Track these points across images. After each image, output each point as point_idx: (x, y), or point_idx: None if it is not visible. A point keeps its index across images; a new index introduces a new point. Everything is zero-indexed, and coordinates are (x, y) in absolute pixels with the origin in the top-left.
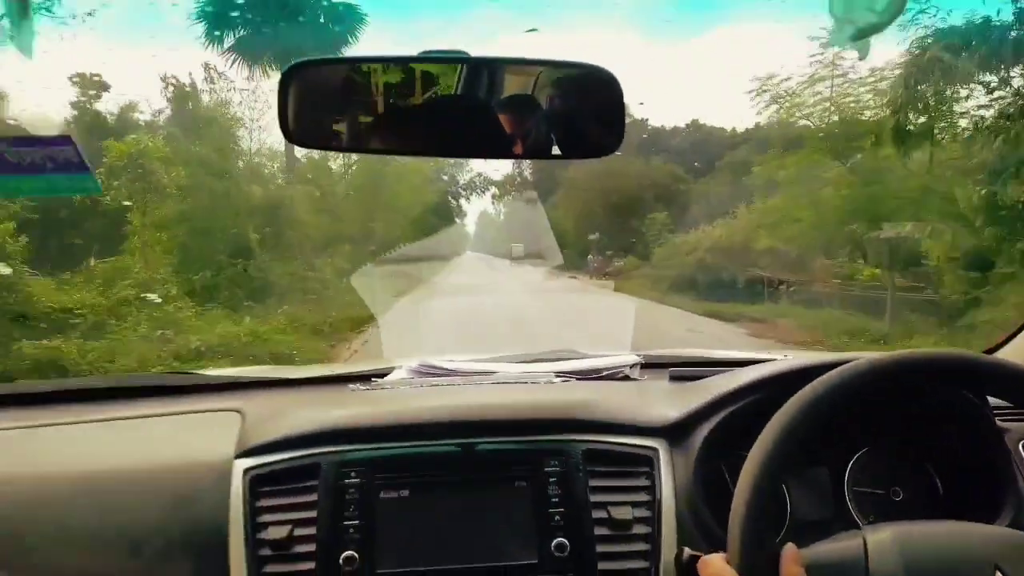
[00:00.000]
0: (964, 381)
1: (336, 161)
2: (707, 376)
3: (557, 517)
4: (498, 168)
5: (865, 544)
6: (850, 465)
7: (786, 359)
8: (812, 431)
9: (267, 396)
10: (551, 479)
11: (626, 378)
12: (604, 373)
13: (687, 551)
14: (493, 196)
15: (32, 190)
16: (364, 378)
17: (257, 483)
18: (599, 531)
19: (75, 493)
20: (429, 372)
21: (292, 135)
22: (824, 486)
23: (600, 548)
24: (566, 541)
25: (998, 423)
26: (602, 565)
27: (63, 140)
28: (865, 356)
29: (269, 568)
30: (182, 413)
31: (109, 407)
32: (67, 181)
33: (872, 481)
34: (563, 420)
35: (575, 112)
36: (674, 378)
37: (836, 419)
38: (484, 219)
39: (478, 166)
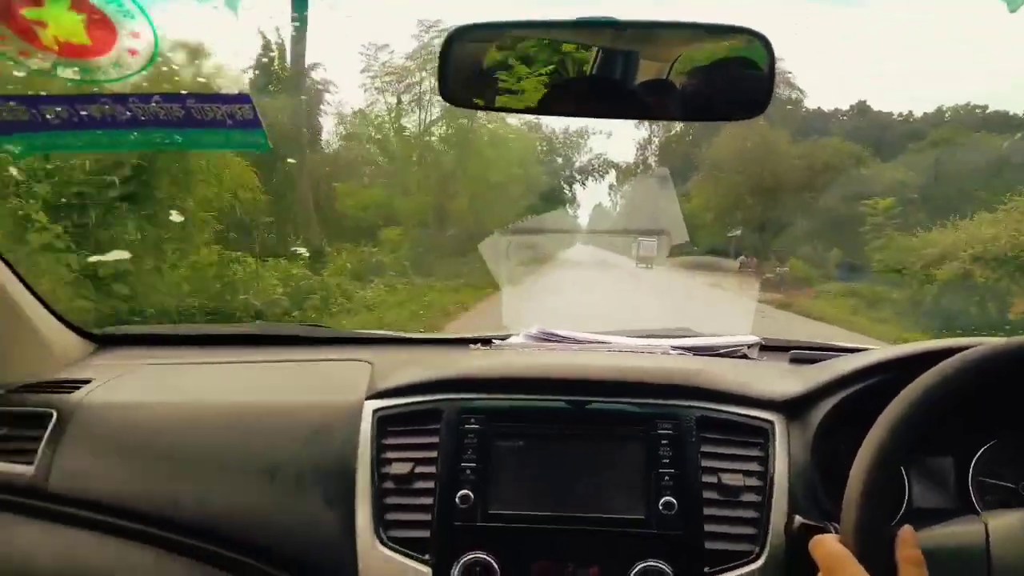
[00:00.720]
0: None
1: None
2: (828, 360)
3: (667, 478)
4: (622, 150)
5: (987, 529)
6: (977, 455)
7: (913, 343)
8: (932, 416)
9: (395, 350)
10: (663, 441)
11: (744, 357)
12: (722, 350)
13: (799, 519)
14: (611, 185)
15: (211, 144)
16: (485, 341)
17: (384, 423)
18: (708, 495)
19: (220, 422)
20: (547, 338)
21: (450, 95)
22: (947, 475)
23: (708, 511)
24: (674, 500)
25: None
26: (709, 527)
27: (242, 98)
28: (991, 341)
29: (391, 500)
30: (318, 360)
31: (251, 351)
32: (242, 137)
33: (999, 474)
34: (678, 386)
35: (723, 74)
36: (794, 360)
37: (963, 406)
38: (599, 213)
39: (597, 147)
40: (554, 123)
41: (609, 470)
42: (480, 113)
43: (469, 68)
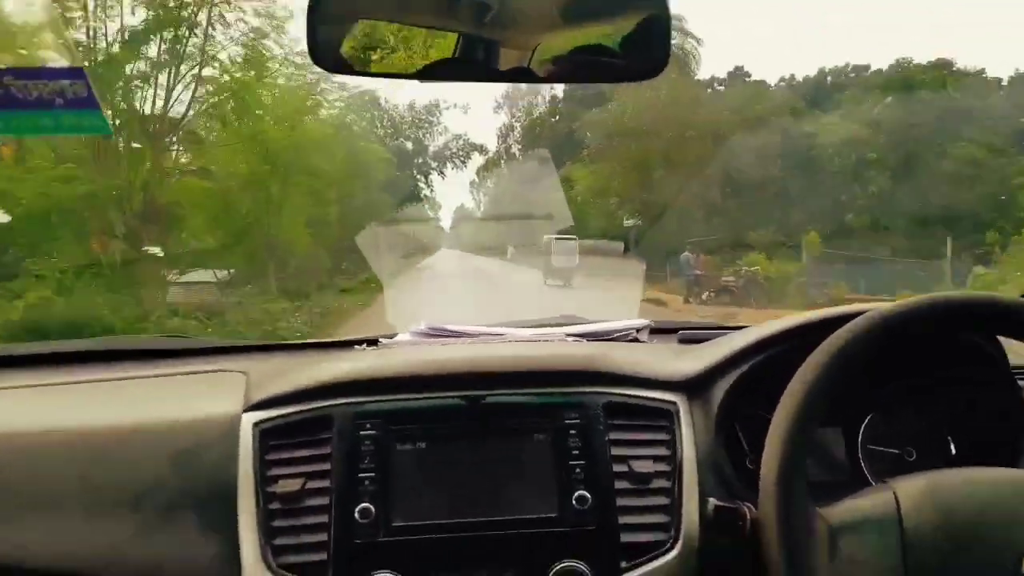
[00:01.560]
0: (996, 323)
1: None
2: (717, 338)
3: (578, 470)
4: (482, 129)
5: (896, 497)
6: (863, 425)
7: (807, 312)
8: (844, 379)
9: (271, 358)
10: (571, 432)
11: (635, 340)
12: (615, 335)
13: (713, 501)
14: (477, 173)
15: (37, 129)
16: (371, 342)
17: (268, 436)
18: (620, 484)
19: (64, 451)
20: (438, 334)
21: (320, 59)
22: (837, 447)
23: (621, 501)
24: (587, 494)
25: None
26: (623, 519)
27: (74, 72)
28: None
29: (280, 522)
30: (182, 374)
31: (99, 369)
32: (75, 119)
33: (885, 442)
34: (582, 372)
35: (620, 32)
36: (684, 340)
37: (851, 376)
38: (463, 214)
39: (453, 125)
40: (396, 96)
41: (517, 467)
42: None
43: (340, 28)
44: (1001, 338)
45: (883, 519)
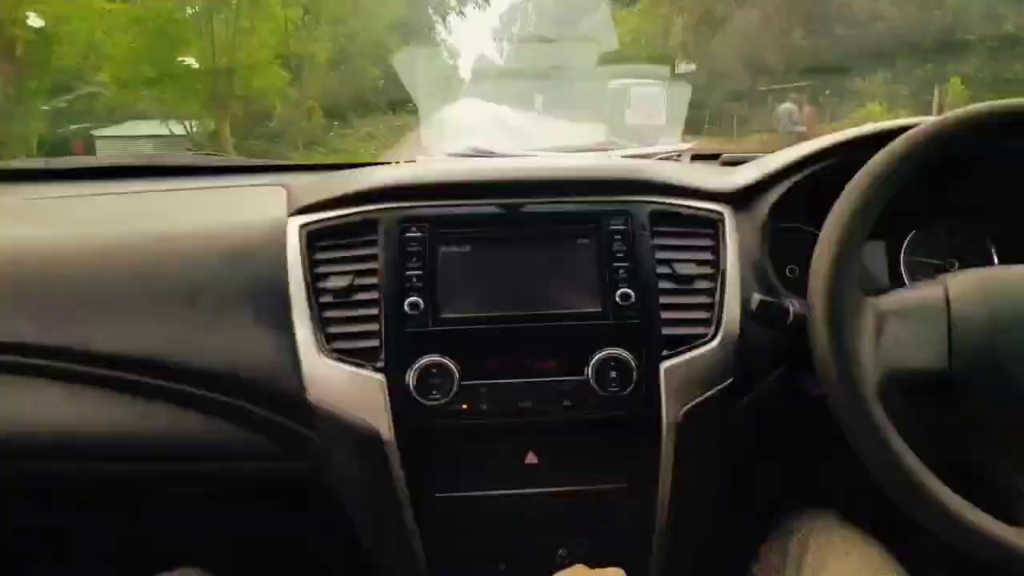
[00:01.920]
0: None
1: None
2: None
3: (621, 271)
4: None
5: (946, 287)
6: (908, 238)
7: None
8: (897, 186)
9: (310, 175)
10: (615, 237)
11: (677, 162)
12: (658, 156)
13: (757, 296)
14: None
15: None
16: (409, 162)
17: (314, 238)
18: (663, 284)
19: (122, 251)
20: (478, 154)
21: None
22: (880, 259)
23: (664, 300)
24: (630, 292)
25: None
26: (665, 314)
27: None
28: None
29: (331, 313)
30: (224, 187)
31: (144, 182)
32: None
33: (928, 254)
34: (628, 180)
35: None
36: (726, 163)
37: (911, 183)
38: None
39: None
40: None
41: (564, 269)
42: None
43: None
44: None
45: (932, 305)
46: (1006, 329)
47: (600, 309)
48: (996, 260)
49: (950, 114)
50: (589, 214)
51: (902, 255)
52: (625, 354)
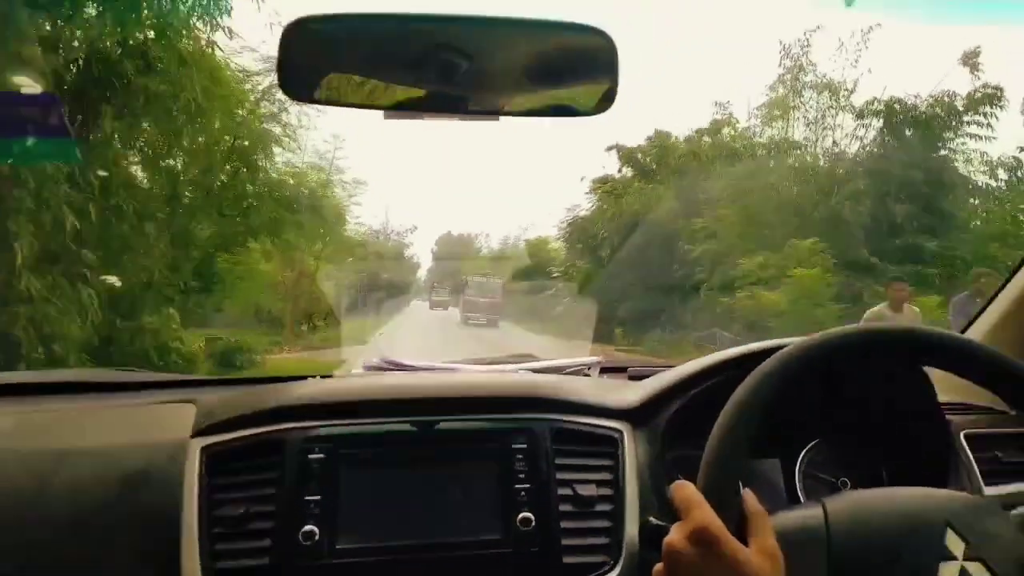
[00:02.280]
0: (914, 354)
1: None
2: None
3: (523, 493)
4: None
5: (825, 510)
6: (801, 456)
7: (742, 347)
8: (771, 405)
9: (222, 390)
10: (518, 456)
11: (586, 376)
12: (566, 370)
13: (652, 520)
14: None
15: (7, 156)
16: (323, 376)
17: (215, 460)
18: (563, 507)
19: (18, 470)
20: (392, 367)
21: (290, 89)
22: (776, 477)
23: (564, 524)
24: (531, 516)
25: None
26: (566, 540)
27: (49, 98)
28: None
29: (223, 545)
30: (132, 406)
31: (59, 400)
32: (48, 147)
33: (822, 471)
34: (531, 398)
35: (566, 71)
36: (632, 377)
37: (787, 407)
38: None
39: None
40: None
41: (464, 491)
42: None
43: (309, 61)
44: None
45: (811, 530)
46: (877, 562)
47: (501, 536)
48: (885, 478)
49: (821, 334)
50: (493, 431)
51: (797, 472)
52: None
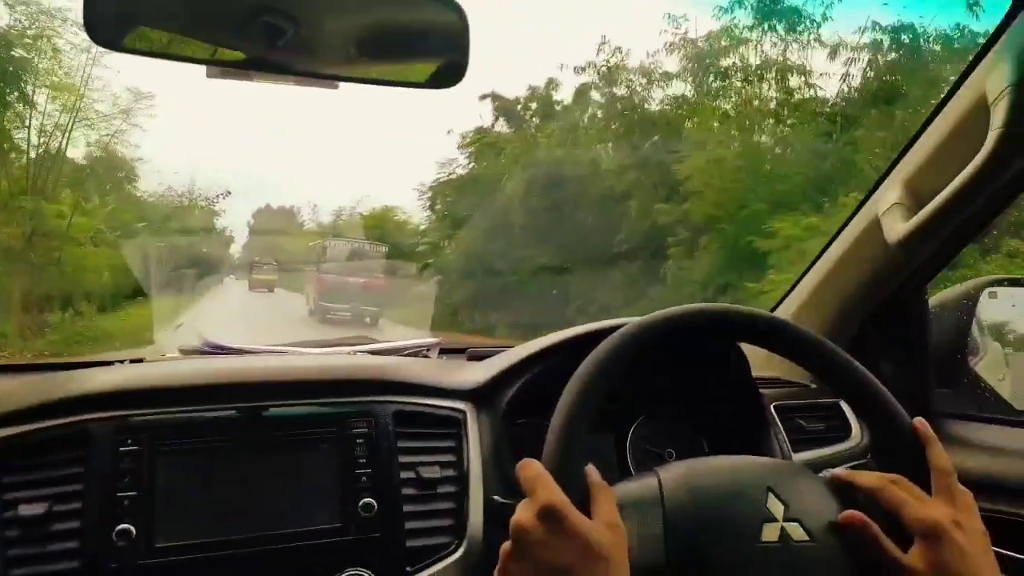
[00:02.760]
0: (731, 331)
1: None
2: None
3: (364, 478)
4: None
5: (660, 479)
6: (632, 430)
7: (578, 327)
8: (610, 381)
9: (12, 378)
10: (358, 441)
11: (426, 357)
12: (405, 352)
13: (497, 499)
14: None
15: None
16: (134, 360)
17: (5, 456)
18: (407, 491)
19: None
20: (214, 351)
21: (96, 33)
22: (609, 451)
23: (408, 507)
24: (373, 501)
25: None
26: (409, 524)
27: None
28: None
29: (18, 550)
30: None
31: None
32: None
33: (651, 443)
34: (370, 381)
35: (412, 41)
36: (472, 357)
37: (619, 384)
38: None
39: None
40: None
41: (300, 479)
42: None
43: (121, 8)
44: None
45: (649, 499)
46: (707, 525)
47: (341, 524)
48: (706, 447)
49: (657, 313)
50: (331, 417)
51: (628, 445)
52: (367, 574)
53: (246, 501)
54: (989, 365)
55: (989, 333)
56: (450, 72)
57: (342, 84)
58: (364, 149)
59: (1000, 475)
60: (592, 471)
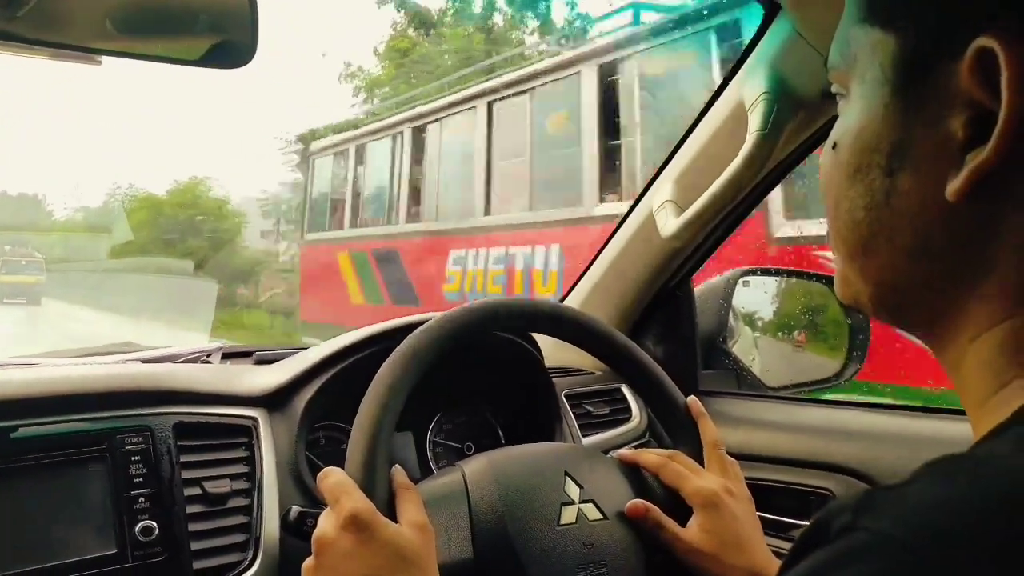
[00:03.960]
0: (532, 323)
1: None
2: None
3: (141, 499)
4: None
5: (463, 473)
6: (431, 427)
7: (380, 324)
8: (415, 378)
9: None
10: (133, 458)
11: (207, 363)
12: (183, 358)
13: (295, 508)
14: None
15: None
16: None
17: None
18: (192, 509)
19: None
20: None
21: None
22: (409, 450)
23: (193, 527)
24: (153, 524)
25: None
26: (196, 544)
27: None
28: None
29: None
30: None
31: None
32: None
33: (450, 438)
34: (145, 391)
35: (184, 10)
36: (259, 362)
37: (428, 375)
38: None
39: None
40: None
41: (69, 506)
42: None
43: None
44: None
45: (454, 494)
46: (511, 514)
47: (117, 551)
48: (503, 439)
49: (464, 306)
50: (97, 433)
51: (428, 441)
52: None
53: (10, 534)
54: (743, 347)
55: (742, 318)
56: (235, 51)
57: (106, 59)
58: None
59: (757, 446)
60: (399, 472)
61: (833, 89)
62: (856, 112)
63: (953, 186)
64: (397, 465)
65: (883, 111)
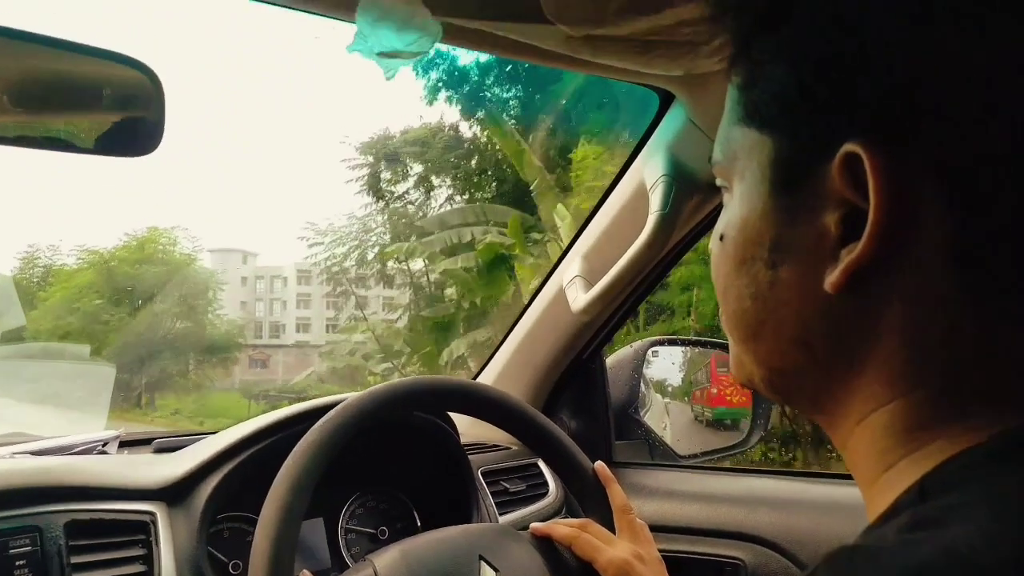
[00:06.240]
0: (445, 402)
1: None
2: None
3: None
4: None
5: (374, 567)
6: (343, 512)
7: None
8: (326, 466)
9: None
10: (19, 563)
11: (103, 453)
12: (77, 449)
13: None
14: None
15: None
16: None
17: None
18: None
19: None
20: None
21: None
22: (319, 538)
23: None
24: None
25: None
26: None
27: None
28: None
29: None
30: None
31: None
32: None
33: (363, 523)
34: (34, 488)
35: (110, 104)
36: (159, 450)
37: (336, 461)
38: None
39: None
40: None
41: None
42: None
43: None
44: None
45: None
46: None
47: None
48: (418, 521)
49: (372, 389)
50: None
51: (339, 530)
52: None
53: None
54: (654, 416)
55: (653, 387)
56: (142, 131)
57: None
58: None
59: (670, 516)
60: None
61: (718, 182)
62: (738, 207)
63: (831, 279)
64: (305, 571)
65: (763, 208)
